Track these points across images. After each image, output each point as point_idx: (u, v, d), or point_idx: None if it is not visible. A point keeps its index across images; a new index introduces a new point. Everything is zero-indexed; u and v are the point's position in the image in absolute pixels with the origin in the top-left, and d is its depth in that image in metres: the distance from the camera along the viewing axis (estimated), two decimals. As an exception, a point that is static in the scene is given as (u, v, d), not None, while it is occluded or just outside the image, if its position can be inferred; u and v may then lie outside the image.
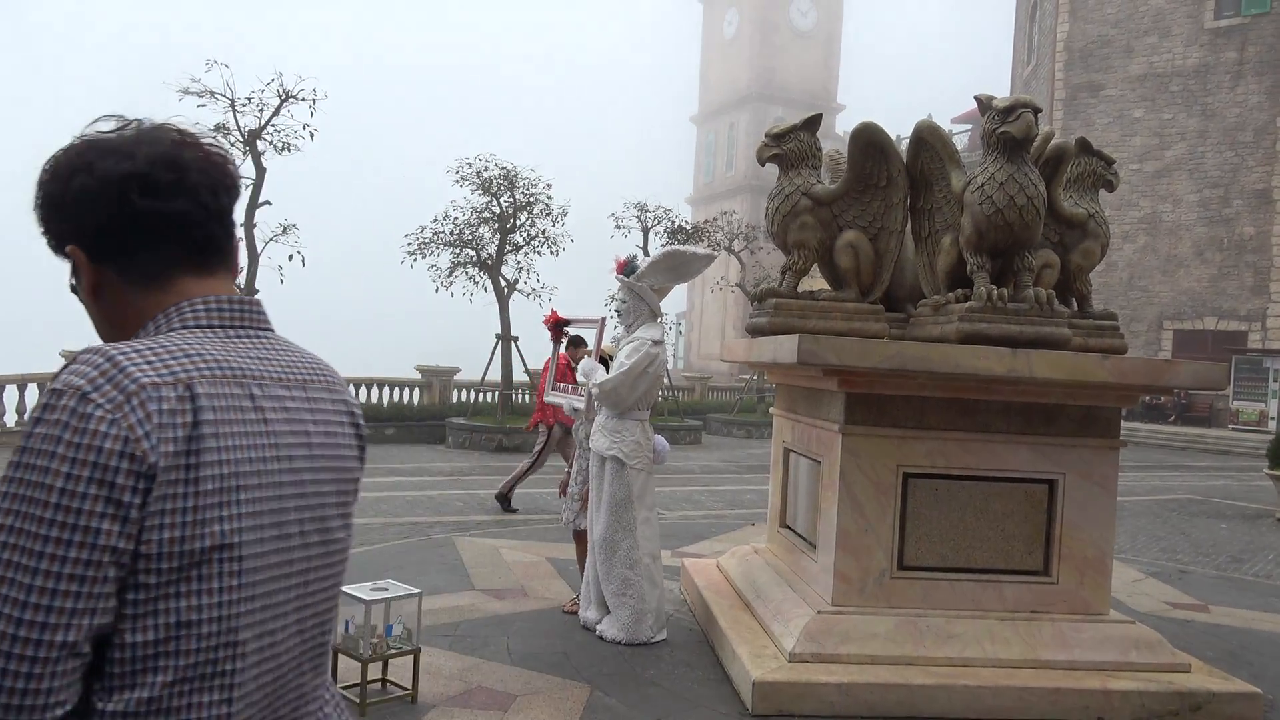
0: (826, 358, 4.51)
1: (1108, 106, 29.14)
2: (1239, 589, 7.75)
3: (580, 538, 6.13)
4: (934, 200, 5.29)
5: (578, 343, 5.91)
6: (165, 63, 14.02)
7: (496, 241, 17.42)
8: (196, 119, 11.57)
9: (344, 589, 4.34)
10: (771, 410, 6.37)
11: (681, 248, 5.39)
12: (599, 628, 5.50)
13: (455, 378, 19.81)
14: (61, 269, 1.22)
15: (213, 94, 13.56)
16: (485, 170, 17.09)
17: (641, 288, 5.49)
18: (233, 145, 13.88)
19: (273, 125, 13.93)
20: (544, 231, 17.52)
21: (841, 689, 4.40)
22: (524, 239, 17.56)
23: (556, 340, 6.23)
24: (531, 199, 17.16)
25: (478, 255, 17.43)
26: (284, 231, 14.23)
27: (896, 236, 5.39)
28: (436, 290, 17.47)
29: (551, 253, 17.55)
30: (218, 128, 13.73)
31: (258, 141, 13.88)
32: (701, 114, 53.85)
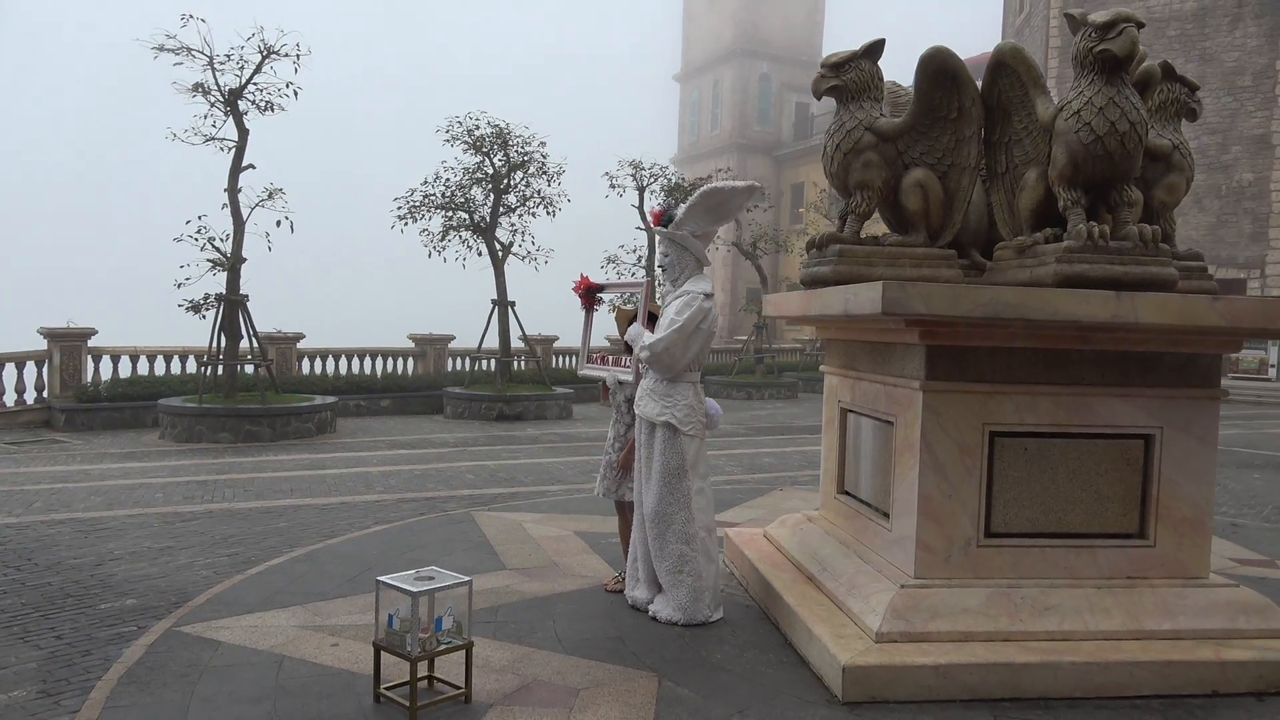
0: (914, 306, 4.05)
1: (1103, 53, 28.53)
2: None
3: (622, 509, 5.69)
4: (1012, 132, 4.81)
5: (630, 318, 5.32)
6: (138, 19, 13.21)
7: (490, 203, 16.79)
8: (173, 79, 10.87)
9: (385, 580, 3.88)
10: (822, 368, 5.91)
11: (719, 184, 4.89)
12: (652, 608, 5.08)
13: (450, 346, 19.26)
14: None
15: (190, 51, 12.79)
16: (476, 129, 16.41)
17: (683, 236, 4.99)
18: (213, 105, 13.15)
19: (254, 83, 13.18)
20: (539, 191, 16.89)
21: (938, 671, 3.99)
22: (518, 200, 16.93)
23: (589, 308, 5.71)
24: (526, 157, 16.50)
25: (471, 218, 16.80)
26: (270, 196, 13.54)
27: (969, 174, 4.91)
28: (430, 256, 16.85)
29: (549, 213, 16.95)
30: (196, 87, 13.00)
31: (239, 101, 13.14)
32: (684, 71, 52.82)
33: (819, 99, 5.15)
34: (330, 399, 14.47)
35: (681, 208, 4.97)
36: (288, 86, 13.45)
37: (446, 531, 7.09)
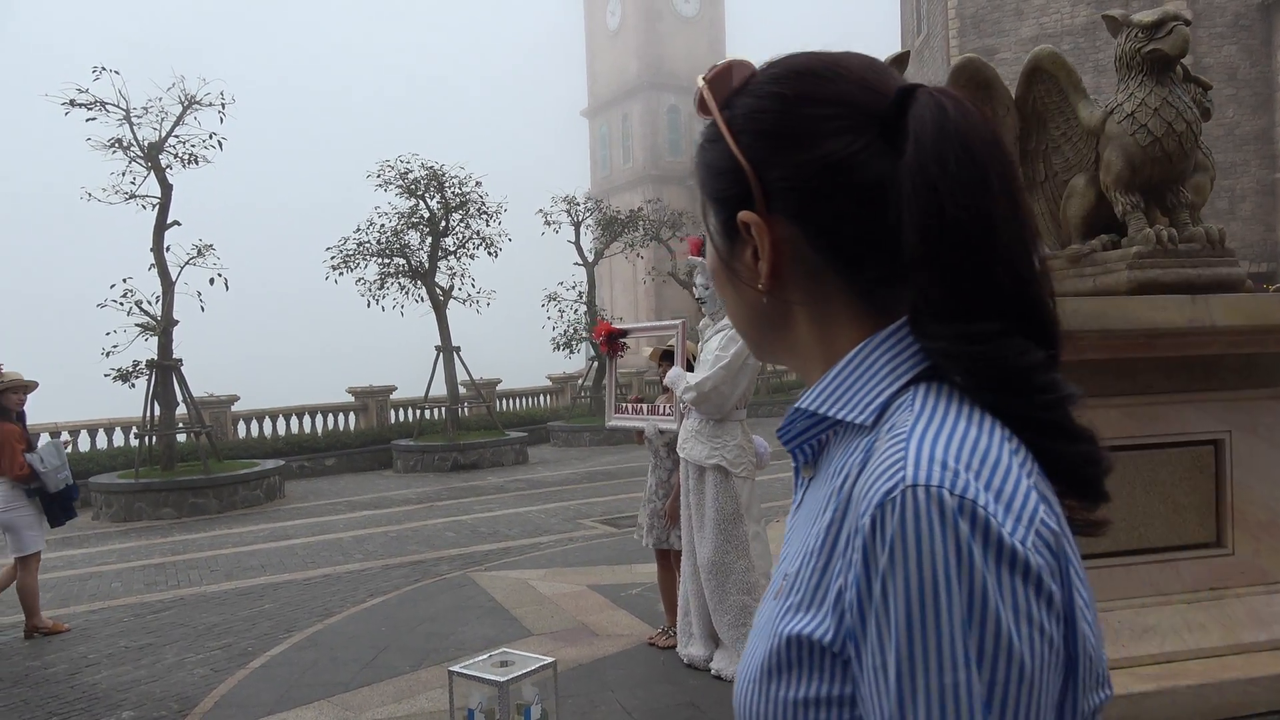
0: (997, 324, 3.84)
1: (1003, 70, 29.50)
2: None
3: (663, 557, 5.33)
4: (1049, 139, 4.70)
5: (671, 357, 4.99)
6: (45, 71, 12.37)
7: (427, 247, 16.28)
8: (87, 134, 10.16)
9: (458, 669, 3.45)
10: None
11: None
12: (714, 666, 4.73)
13: (391, 396, 18.55)
14: None
15: (104, 105, 12.03)
16: (409, 172, 15.93)
17: (728, 267, 4.71)
18: (132, 161, 12.39)
19: (176, 136, 12.47)
20: (478, 232, 16.45)
21: (1058, 709, 3.75)
22: (456, 242, 16.46)
23: (612, 355, 5.36)
24: (463, 199, 16.07)
25: (408, 263, 16.25)
26: (200, 254, 12.79)
27: (1008, 184, 4.77)
28: (368, 305, 16.22)
29: (490, 254, 16.51)
30: (113, 143, 12.23)
31: (160, 155, 12.40)
32: (592, 107, 53.07)
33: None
34: (277, 462, 13.69)
35: None
36: (211, 137, 12.79)
37: (451, 598, 6.60)
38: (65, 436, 12.75)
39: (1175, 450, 4.41)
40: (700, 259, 4.73)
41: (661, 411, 5.07)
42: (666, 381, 4.85)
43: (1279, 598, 4.37)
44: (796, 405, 0.76)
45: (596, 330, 5.33)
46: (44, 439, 6.59)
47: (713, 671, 4.71)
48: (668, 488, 5.12)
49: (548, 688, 3.49)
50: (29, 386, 6.33)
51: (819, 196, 0.73)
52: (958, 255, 0.67)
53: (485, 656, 3.54)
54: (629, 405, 5.33)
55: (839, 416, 0.72)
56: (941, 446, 0.64)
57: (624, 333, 5.37)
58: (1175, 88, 4.16)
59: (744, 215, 0.75)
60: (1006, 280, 0.68)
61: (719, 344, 4.64)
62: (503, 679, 3.29)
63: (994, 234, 0.68)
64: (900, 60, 4.85)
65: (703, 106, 0.80)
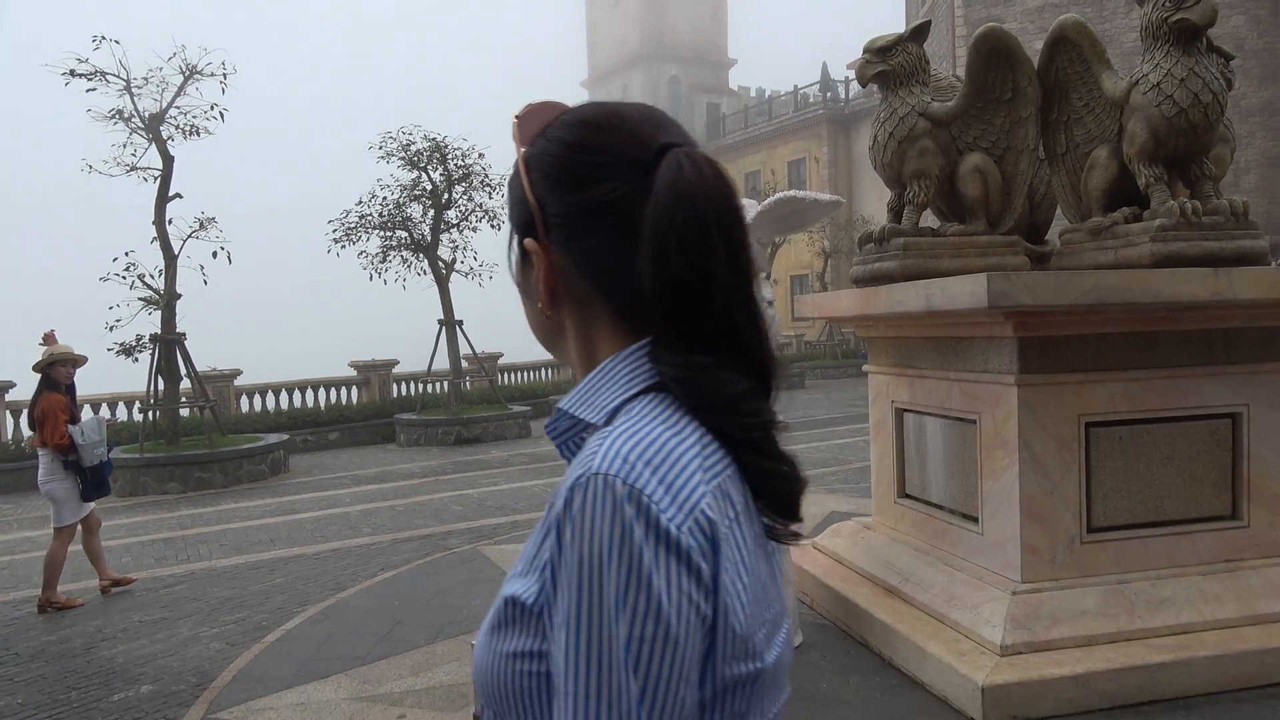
0: (1020, 298, 3.83)
1: (1008, 40, 29.40)
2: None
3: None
4: (1071, 110, 4.65)
5: None
6: (44, 41, 12.20)
7: (429, 220, 16.18)
8: (87, 105, 10.04)
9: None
10: (866, 368, 5.67)
11: (799, 194, 4.58)
12: (729, 638, 4.74)
13: (394, 370, 18.53)
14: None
15: (104, 75, 11.90)
16: (412, 144, 15.79)
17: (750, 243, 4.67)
18: (133, 132, 12.27)
19: (177, 107, 12.34)
20: (481, 205, 16.35)
21: (1077, 681, 3.77)
22: (458, 215, 16.36)
23: None
24: (466, 171, 15.95)
25: (410, 236, 16.16)
26: (202, 227, 12.69)
27: (1027, 156, 4.73)
28: (371, 278, 16.15)
29: (493, 226, 16.42)
30: (114, 114, 12.10)
31: (161, 127, 12.28)
32: (592, 77, 52.67)
33: (864, 85, 4.91)
34: (282, 437, 13.67)
35: (751, 210, 4.65)
36: (213, 109, 12.66)
37: (463, 572, 6.62)
38: (106, 413, 12.79)
39: (1193, 423, 4.41)
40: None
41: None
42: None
43: (1294, 570, 4.38)
44: (558, 405, 0.87)
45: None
46: (87, 413, 6.77)
47: (729, 644, 4.73)
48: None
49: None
50: (78, 360, 6.62)
51: (584, 232, 0.85)
52: (679, 302, 0.79)
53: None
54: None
55: (582, 417, 0.84)
56: (629, 445, 0.76)
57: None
58: (1202, 58, 4.11)
59: (528, 242, 0.88)
60: (722, 325, 0.80)
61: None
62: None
63: (711, 286, 0.79)
64: (920, 30, 4.79)
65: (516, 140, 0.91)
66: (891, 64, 4.71)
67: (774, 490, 0.84)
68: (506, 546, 7.35)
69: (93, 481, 6.39)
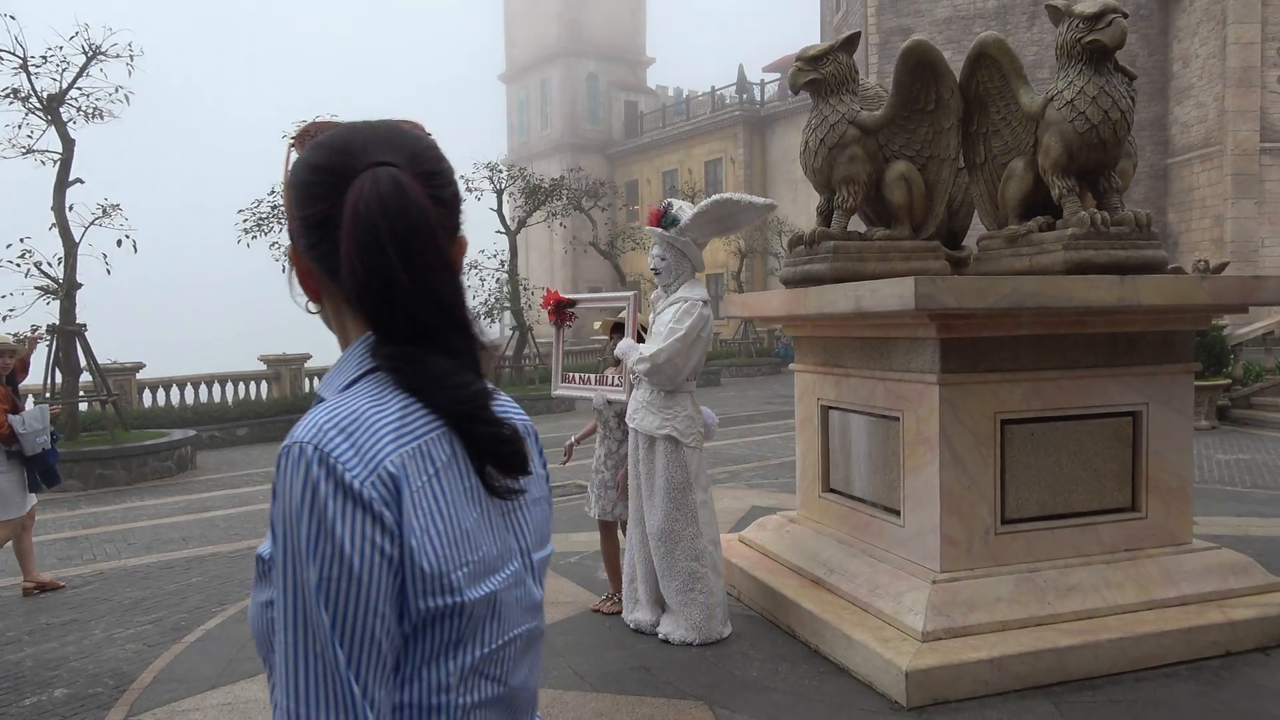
0: (945, 301, 4.01)
1: (918, 49, 30.34)
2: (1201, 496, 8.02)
3: (608, 529, 5.40)
4: (990, 123, 4.88)
5: (620, 329, 5.02)
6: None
7: (346, 212, 15.83)
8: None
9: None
10: (792, 366, 5.83)
11: (734, 196, 4.67)
12: (661, 630, 4.83)
13: (307, 365, 18.08)
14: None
15: (-1, 53, 11.30)
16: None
17: (685, 243, 4.76)
18: (30, 113, 11.68)
19: (79, 88, 11.80)
20: (399, 198, 16.06)
21: (993, 664, 3.98)
22: (376, 207, 16.04)
23: (559, 325, 5.36)
24: (384, 162, 15.64)
25: (326, 228, 15.78)
26: (105, 214, 12.16)
27: (949, 165, 4.95)
28: (283, 270, 15.66)
29: (412, 220, 16.16)
30: (10, 92, 11.50)
31: (60, 108, 11.71)
32: (510, 71, 52.19)
33: (796, 92, 5.05)
34: (188, 432, 13.23)
35: (686, 212, 4.73)
36: (118, 91, 12.15)
37: (388, 569, 6.54)
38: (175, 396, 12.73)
39: (1098, 421, 4.69)
40: (659, 229, 4.77)
41: (610, 382, 5.11)
42: (618, 353, 4.89)
43: (1186, 558, 4.71)
44: (318, 390, 1.03)
45: (545, 299, 5.32)
46: (30, 403, 6.60)
47: (660, 635, 4.82)
48: (617, 458, 5.17)
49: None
50: (16, 350, 6.54)
51: (317, 241, 0.97)
52: (367, 303, 0.94)
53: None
54: (574, 376, 5.35)
55: (322, 395, 0.98)
56: (326, 415, 0.90)
57: (573, 302, 5.38)
58: (1111, 77, 4.37)
59: (288, 247, 1.04)
60: (405, 321, 0.94)
61: (673, 316, 4.70)
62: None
63: (389, 290, 0.93)
64: (850, 41, 4.96)
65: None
66: (823, 72, 4.87)
67: (495, 451, 0.98)
68: (431, 543, 7.30)
69: (40, 471, 6.35)
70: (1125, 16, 4.29)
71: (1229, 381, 12.86)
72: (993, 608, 4.26)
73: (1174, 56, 25.12)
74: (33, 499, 6.41)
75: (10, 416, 6.16)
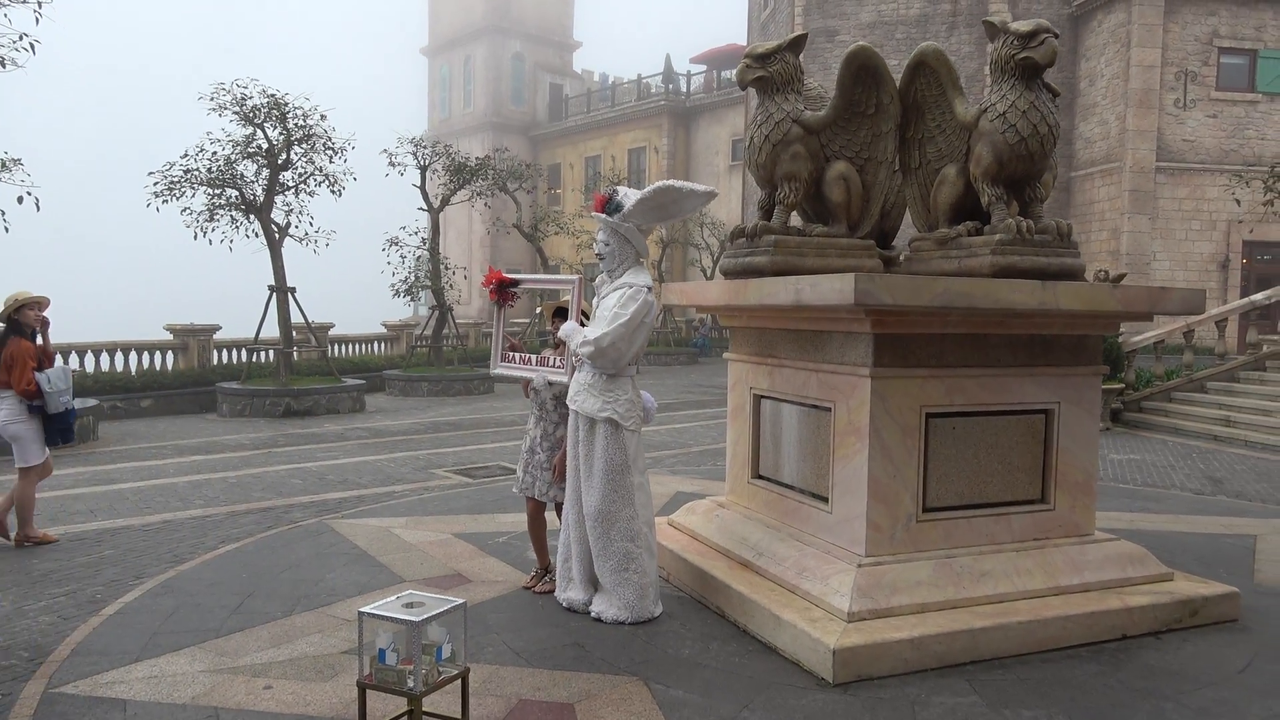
0: (882, 298, 4.19)
1: (842, 51, 30.97)
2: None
3: (537, 509, 5.46)
4: (926, 129, 5.10)
5: (563, 313, 5.06)
6: None
7: (264, 180, 15.38)
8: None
9: (371, 610, 3.47)
10: (727, 355, 5.98)
11: (675, 183, 4.76)
12: (594, 609, 4.93)
13: (216, 336, 17.51)
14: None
15: (-108, -9, 10.59)
16: (248, 98, 14.95)
17: (629, 229, 4.84)
18: (-74, 59, 10.98)
19: (-20, 35, 11.14)
20: (321, 169, 15.69)
21: (913, 644, 4.20)
22: (296, 178, 15.64)
23: (501, 304, 5.37)
24: (307, 132, 15.26)
25: (242, 196, 15.31)
26: (5, 168, 11.54)
27: (885, 168, 5.15)
28: (195, 237, 15.18)
29: (333, 192, 15.80)
30: (-96, 35, 10.79)
31: (-40, 55, 11.06)
32: (433, 46, 51.16)
33: (744, 89, 5.17)
34: (89, 402, 12.68)
35: (630, 198, 4.80)
36: (22, 39, 11.51)
37: (311, 545, 6.47)
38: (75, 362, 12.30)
39: (1014, 417, 4.96)
40: (604, 215, 4.83)
41: (551, 364, 5.16)
42: (560, 335, 4.94)
43: (1090, 547, 5.03)
44: None
45: (487, 278, 5.33)
46: (58, 362, 6.68)
47: (593, 614, 4.91)
48: (553, 440, 5.23)
49: (455, 629, 3.57)
50: (41, 302, 6.50)
51: None
52: None
53: (394, 598, 3.57)
54: (515, 356, 5.37)
55: None
56: None
57: (515, 282, 5.40)
58: (1041, 93, 4.62)
59: None
60: None
61: (617, 301, 4.78)
62: (417, 619, 3.35)
63: None
64: (798, 42, 5.10)
65: None
66: (770, 70, 5.00)
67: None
68: (357, 521, 7.23)
69: (57, 428, 6.53)
70: (1057, 36, 4.54)
71: (1123, 386, 13.64)
72: (913, 591, 4.49)
73: (1081, 74, 26.24)
74: (46, 452, 6.57)
75: (37, 374, 6.28)
